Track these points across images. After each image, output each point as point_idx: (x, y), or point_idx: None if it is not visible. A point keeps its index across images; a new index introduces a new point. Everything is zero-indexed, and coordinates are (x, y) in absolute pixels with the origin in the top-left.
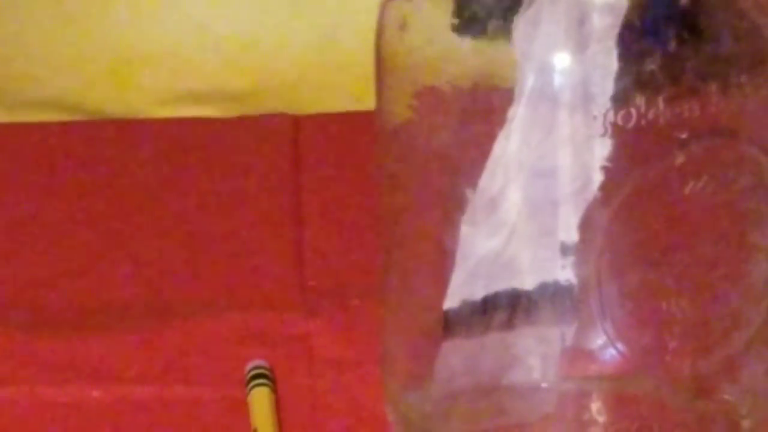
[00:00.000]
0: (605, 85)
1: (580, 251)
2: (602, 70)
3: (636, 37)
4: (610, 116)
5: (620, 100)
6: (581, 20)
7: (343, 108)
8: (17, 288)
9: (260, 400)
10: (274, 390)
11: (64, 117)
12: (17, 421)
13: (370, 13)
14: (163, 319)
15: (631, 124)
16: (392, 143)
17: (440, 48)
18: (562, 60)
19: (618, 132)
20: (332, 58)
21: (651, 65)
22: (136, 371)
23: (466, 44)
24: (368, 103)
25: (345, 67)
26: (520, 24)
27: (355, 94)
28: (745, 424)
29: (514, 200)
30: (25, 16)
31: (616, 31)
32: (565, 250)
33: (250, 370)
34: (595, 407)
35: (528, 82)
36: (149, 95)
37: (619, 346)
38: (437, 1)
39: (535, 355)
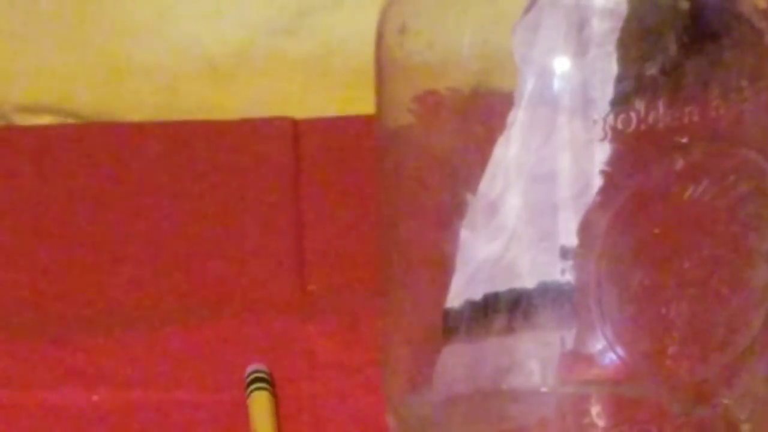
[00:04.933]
0: (605, 90)
1: (579, 255)
2: (602, 74)
3: (636, 41)
4: (610, 120)
5: (620, 104)
6: (581, 25)
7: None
8: (16, 292)
9: (260, 404)
10: (274, 394)
11: (61, 121)
12: (16, 424)
13: (370, 17)
14: (162, 324)
15: (631, 128)
16: (392, 147)
17: (440, 52)
18: (561, 64)
19: (618, 136)
20: (329, 63)
21: (651, 69)
22: (136, 375)
23: (465, 49)
24: (367, 107)
25: (343, 71)
26: (520, 28)
27: (352, 98)
28: (745, 428)
29: (513, 204)
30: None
31: (615, 35)
32: (564, 254)
33: (250, 374)
34: (595, 411)
35: (528, 86)
36: (143, 106)
37: (619, 350)
38: (437, 6)
39: (534, 360)
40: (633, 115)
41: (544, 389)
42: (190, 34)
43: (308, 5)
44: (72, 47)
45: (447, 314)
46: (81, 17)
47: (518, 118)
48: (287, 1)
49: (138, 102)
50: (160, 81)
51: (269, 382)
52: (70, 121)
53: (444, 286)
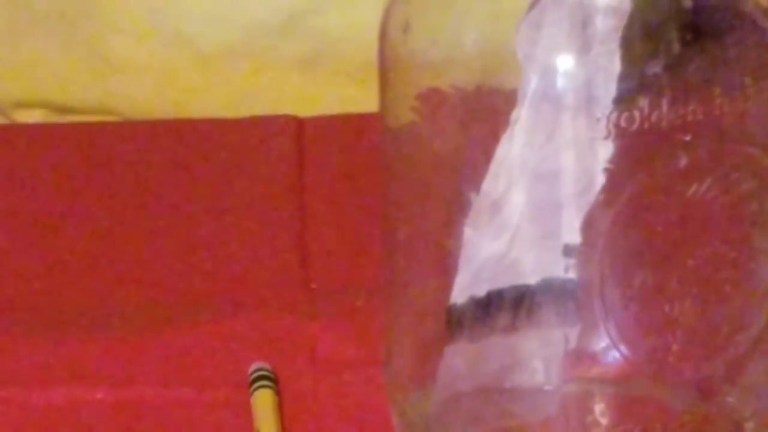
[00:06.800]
0: (608, 88)
1: (583, 253)
2: (605, 72)
3: (639, 39)
4: (613, 118)
5: (623, 102)
6: (584, 22)
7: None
8: (19, 289)
9: (263, 402)
10: (277, 392)
11: (60, 119)
12: (18, 423)
13: (373, 15)
14: (165, 321)
15: (634, 126)
16: (395, 145)
17: (443, 50)
18: (565, 62)
19: (621, 134)
20: (322, 64)
21: (654, 68)
22: (139, 373)
23: (469, 46)
24: (370, 105)
25: (344, 69)
26: (523, 26)
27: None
28: (749, 426)
29: (517, 202)
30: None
31: (619, 33)
32: (568, 251)
33: (253, 372)
34: (598, 410)
35: (531, 84)
36: (135, 101)
37: (622, 348)
38: (441, 4)
39: (538, 358)
40: (636, 113)
41: (547, 387)
42: (182, 31)
43: (300, 7)
44: (66, 43)
45: (451, 311)
46: (75, 14)
47: (521, 116)
48: (280, 2)
49: (130, 97)
50: (153, 78)
51: (272, 380)
52: (64, 115)
53: (447, 284)
